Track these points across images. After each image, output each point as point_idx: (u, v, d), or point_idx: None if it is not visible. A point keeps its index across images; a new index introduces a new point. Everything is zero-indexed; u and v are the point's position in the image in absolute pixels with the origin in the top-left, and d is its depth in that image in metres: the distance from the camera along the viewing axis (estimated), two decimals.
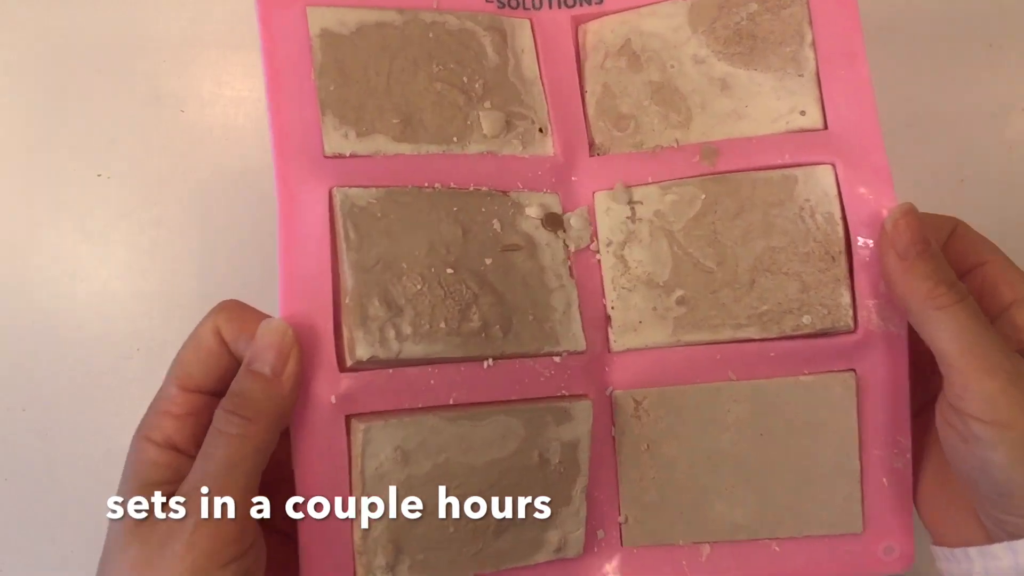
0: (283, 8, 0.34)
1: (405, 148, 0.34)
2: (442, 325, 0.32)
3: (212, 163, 0.48)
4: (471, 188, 0.34)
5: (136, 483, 0.30)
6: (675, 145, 0.36)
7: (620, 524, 0.36)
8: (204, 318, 0.32)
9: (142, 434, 0.31)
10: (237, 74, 0.49)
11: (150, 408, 0.32)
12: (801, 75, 0.35)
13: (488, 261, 0.33)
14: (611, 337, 0.35)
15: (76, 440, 0.47)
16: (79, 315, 0.47)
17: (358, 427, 0.31)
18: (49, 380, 0.47)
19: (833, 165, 0.35)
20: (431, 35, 0.36)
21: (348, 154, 0.33)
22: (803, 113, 0.35)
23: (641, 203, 0.36)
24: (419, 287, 0.32)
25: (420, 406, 0.32)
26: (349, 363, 0.31)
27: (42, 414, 0.47)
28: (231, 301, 0.33)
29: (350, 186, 0.32)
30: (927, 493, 0.35)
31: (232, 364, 0.32)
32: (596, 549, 0.35)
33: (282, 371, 0.30)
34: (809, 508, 0.36)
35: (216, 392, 0.31)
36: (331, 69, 0.34)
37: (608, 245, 0.35)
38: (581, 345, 0.34)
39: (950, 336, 0.30)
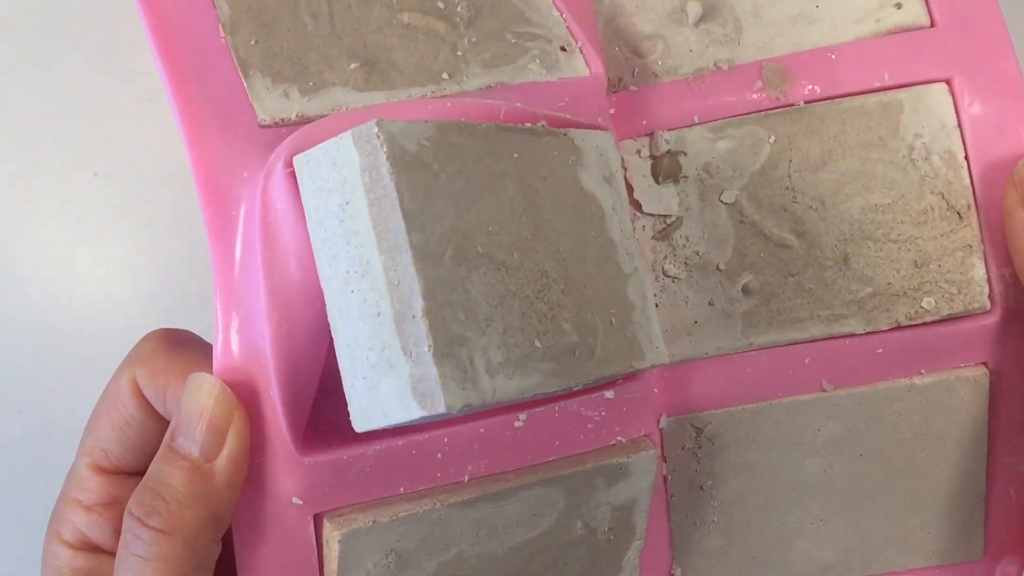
0: None
1: (377, 97, 0.23)
2: (537, 344, 0.21)
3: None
4: (528, 124, 0.23)
5: None
6: (725, 69, 0.26)
7: None
8: (119, 367, 0.25)
9: (52, 530, 0.25)
10: None
11: (60, 496, 0.25)
12: None
13: (564, 238, 0.22)
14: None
15: (72, 441, 0.43)
16: (75, 315, 0.47)
17: (333, 534, 0.21)
18: (45, 381, 0.47)
19: (949, 82, 0.25)
20: None
21: (295, 116, 0.22)
22: (898, 6, 0.25)
23: (685, 154, 0.25)
24: (504, 283, 0.20)
25: (418, 489, 0.22)
26: (385, 423, 0.20)
27: (38, 415, 0.47)
28: (153, 339, 0.25)
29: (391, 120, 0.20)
30: None
31: (159, 430, 0.23)
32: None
33: (215, 453, 0.21)
34: (919, 538, 0.27)
35: (141, 471, 0.23)
36: (244, 20, 0.23)
37: (638, 218, 0.25)
38: (665, 356, 0.24)
39: None
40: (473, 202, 0.20)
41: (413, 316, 0.19)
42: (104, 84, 0.48)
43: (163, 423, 0.24)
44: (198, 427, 0.21)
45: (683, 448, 0.26)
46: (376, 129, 0.19)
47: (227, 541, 0.23)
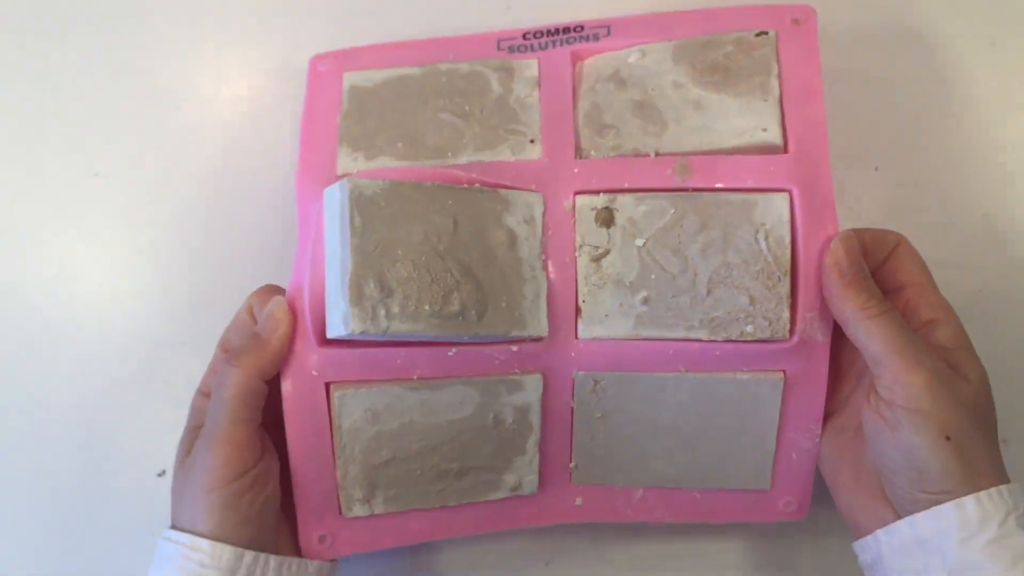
0: (326, 75, 0.43)
1: (405, 164, 0.40)
2: (426, 308, 0.37)
3: (209, 161, 0.48)
4: (465, 185, 0.39)
5: (187, 428, 0.40)
6: (651, 155, 0.40)
7: (571, 468, 0.42)
8: (246, 299, 0.41)
9: (198, 389, 0.41)
10: (235, 72, 0.49)
11: (207, 372, 0.42)
12: (766, 100, 0.39)
13: (473, 252, 0.38)
14: (580, 326, 0.40)
15: (73, 440, 0.47)
16: (75, 315, 0.47)
17: (335, 393, 0.39)
18: (45, 380, 0.47)
19: (790, 192, 0.39)
20: (444, 80, 0.42)
21: (354, 172, 0.40)
22: (765, 130, 0.39)
23: (618, 210, 0.40)
24: (410, 272, 0.37)
25: (387, 378, 0.39)
26: (334, 334, 0.37)
27: (39, 415, 0.47)
28: (265, 286, 0.42)
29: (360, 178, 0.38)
30: (845, 490, 0.39)
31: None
32: (548, 488, 0.42)
33: (271, 332, 0.39)
34: (730, 469, 0.42)
35: None
36: (353, 113, 0.42)
37: (582, 246, 0.40)
38: (544, 331, 0.39)
39: (881, 340, 0.36)
40: (404, 225, 0.37)
41: (345, 281, 0.36)
42: (104, 85, 0.49)
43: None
44: (269, 322, 0.39)
45: (587, 392, 0.41)
46: (347, 183, 0.36)
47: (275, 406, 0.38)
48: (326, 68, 0.44)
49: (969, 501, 0.34)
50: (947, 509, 0.34)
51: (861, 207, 0.47)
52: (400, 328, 0.36)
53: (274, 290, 0.41)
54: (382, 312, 0.36)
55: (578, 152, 0.41)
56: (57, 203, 0.48)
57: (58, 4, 0.49)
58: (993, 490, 0.34)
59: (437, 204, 0.38)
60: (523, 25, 0.45)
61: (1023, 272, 0.47)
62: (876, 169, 0.48)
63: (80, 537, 0.47)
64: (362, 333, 0.36)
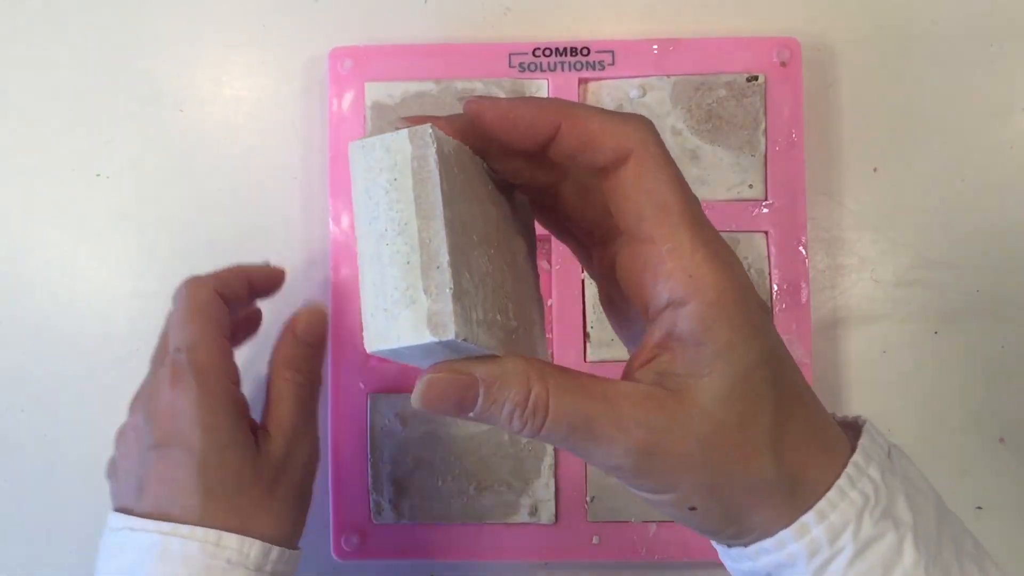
0: (348, 87, 0.45)
1: None
2: (498, 317, 0.26)
3: (211, 162, 0.48)
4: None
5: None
6: None
7: (587, 503, 0.46)
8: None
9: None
10: (236, 73, 0.49)
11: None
12: (754, 155, 0.42)
13: (509, 255, 0.28)
14: (588, 349, 0.45)
15: (74, 440, 0.48)
16: (78, 315, 0.47)
17: (368, 395, 0.44)
18: (48, 380, 0.47)
19: (767, 233, 0.44)
20: (460, 100, 0.44)
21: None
22: (751, 187, 0.43)
23: None
24: (487, 267, 0.26)
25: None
26: (396, 345, 0.24)
27: (40, 414, 0.47)
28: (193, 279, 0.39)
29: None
30: None
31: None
32: (565, 522, 0.46)
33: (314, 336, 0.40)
34: None
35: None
36: (376, 131, 0.44)
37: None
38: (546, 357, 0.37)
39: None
40: (475, 205, 0.27)
41: (438, 267, 0.24)
42: (106, 86, 0.48)
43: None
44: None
45: None
46: (430, 131, 0.25)
47: None
48: (347, 71, 0.46)
49: (810, 520, 0.25)
50: (785, 539, 0.25)
51: (861, 207, 0.48)
52: (481, 339, 0.25)
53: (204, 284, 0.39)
54: (474, 315, 0.25)
55: None
56: (59, 203, 0.48)
57: (58, 4, 0.48)
58: (832, 492, 0.25)
59: (488, 186, 0.28)
60: (521, 25, 0.47)
61: (1023, 272, 0.48)
62: (876, 169, 0.49)
63: (81, 537, 0.47)
64: (463, 340, 0.24)
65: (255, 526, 0.35)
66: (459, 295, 0.24)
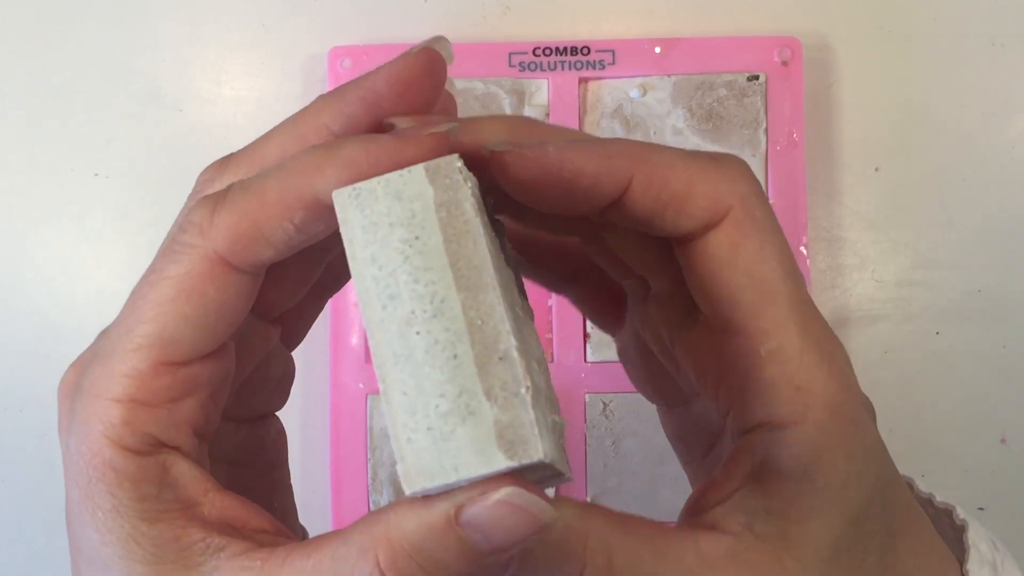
0: (346, 78, 0.44)
1: None
2: (555, 418, 0.19)
3: (210, 162, 0.42)
4: None
5: None
6: None
7: (587, 502, 0.47)
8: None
9: (99, 437, 0.21)
10: (236, 73, 0.49)
11: (95, 392, 0.22)
12: (754, 155, 0.42)
13: (521, 306, 0.20)
14: (588, 350, 0.45)
15: None
16: (77, 315, 0.47)
17: (368, 396, 0.43)
18: (47, 381, 0.42)
19: None
20: (460, 101, 0.44)
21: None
22: None
23: None
24: (540, 355, 0.19)
25: None
26: (456, 479, 0.17)
27: (39, 415, 0.46)
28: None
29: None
30: None
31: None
32: None
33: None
34: None
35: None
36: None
37: None
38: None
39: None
40: (506, 264, 0.20)
41: (500, 358, 0.17)
42: (105, 85, 0.48)
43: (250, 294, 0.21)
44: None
45: (598, 414, 0.46)
46: (459, 164, 0.18)
47: None
48: (347, 71, 0.46)
49: None
50: None
51: (861, 207, 0.48)
52: (553, 455, 0.18)
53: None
54: (545, 420, 0.18)
55: None
56: (58, 203, 0.48)
57: (58, 4, 0.48)
58: None
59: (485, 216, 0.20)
60: (521, 24, 0.47)
61: (1023, 272, 0.48)
62: (876, 169, 0.49)
63: None
64: (549, 462, 0.17)
65: None
66: (536, 395, 0.17)
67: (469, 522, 0.17)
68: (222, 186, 0.21)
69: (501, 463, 0.16)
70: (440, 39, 0.21)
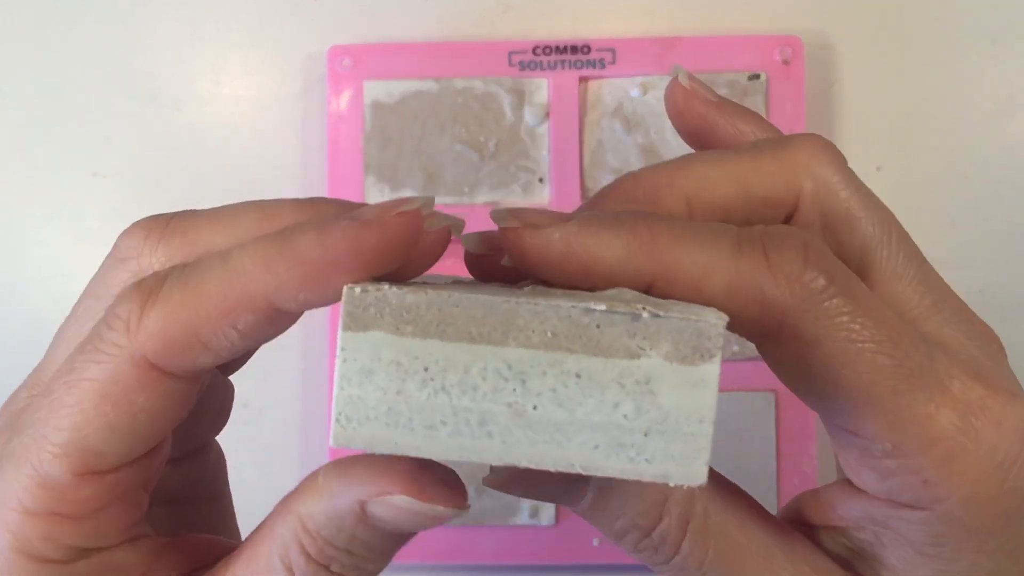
0: (347, 85, 0.45)
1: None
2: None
3: (209, 162, 0.48)
4: None
5: None
6: None
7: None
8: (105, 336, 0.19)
9: (14, 549, 0.19)
10: (235, 73, 0.49)
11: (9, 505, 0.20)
12: None
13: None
14: None
15: None
16: None
17: None
18: None
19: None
20: (460, 100, 0.45)
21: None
22: None
23: None
24: None
25: None
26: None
27: None
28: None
29: None
30: None
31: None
32: (566, 523, 0.46)
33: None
34: None
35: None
36: (376, 135, 0.44)
37: None
38: None
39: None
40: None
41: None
42: (104, 85, 0.48)
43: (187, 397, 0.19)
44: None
45: None
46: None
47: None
48: (346, 70, 0.46)
49: None
50: None
51: None
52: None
53: None
54: None
55: (584, 193, 0.45)
56: (56, 203, 0.48)
57: (58, 4, 0.48)
58: None
59: None
60: (521, 23, 0.47)
61: (1023, 272, 0.48)
62: (878, 169, 0.49)
63: None
64: None
65: None
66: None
67: (374, 515, 0.17)
68: (152, 262, 0.19)
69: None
70: (457, 221, 0.19)
